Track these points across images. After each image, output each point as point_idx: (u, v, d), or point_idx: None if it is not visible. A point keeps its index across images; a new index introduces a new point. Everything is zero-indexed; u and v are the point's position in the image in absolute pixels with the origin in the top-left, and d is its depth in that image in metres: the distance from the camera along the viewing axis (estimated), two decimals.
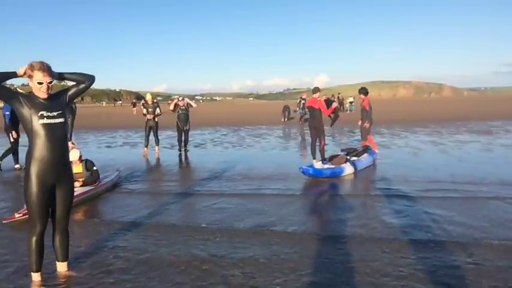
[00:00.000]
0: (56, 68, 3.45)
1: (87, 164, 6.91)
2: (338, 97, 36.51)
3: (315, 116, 9.30)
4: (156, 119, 11.97)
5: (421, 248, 4.24)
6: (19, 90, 3.61)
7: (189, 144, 12.75)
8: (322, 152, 9.23)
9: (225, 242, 4.58)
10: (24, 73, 3.30)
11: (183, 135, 12.25)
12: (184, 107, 12.19)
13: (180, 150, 12.20)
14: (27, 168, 3.32)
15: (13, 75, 3.31)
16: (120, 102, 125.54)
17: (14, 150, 9.85)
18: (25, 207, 5.24)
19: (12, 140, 9.72)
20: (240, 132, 19.68)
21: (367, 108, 10.34)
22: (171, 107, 12.38)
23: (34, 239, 3.38)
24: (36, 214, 3.33)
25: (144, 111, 12.07)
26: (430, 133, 16.61)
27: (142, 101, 12.87)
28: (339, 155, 9.03)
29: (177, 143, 12.53)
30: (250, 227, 5.11)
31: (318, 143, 9.31)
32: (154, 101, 12.47)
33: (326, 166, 8.26)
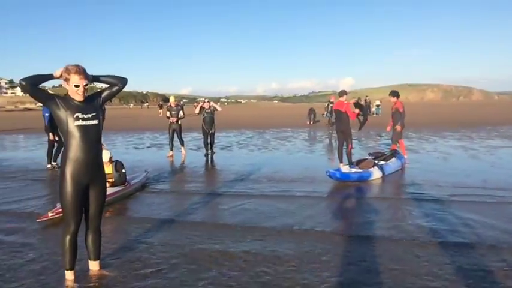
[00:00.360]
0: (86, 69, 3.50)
1: (117, 165, 7.04)
2: (365, 100, 36.08)
3: (341, 119, 9.23)
4: (179, 122, 12.11)
5: (454, 251, 4.19)
6: (49, 91, 3.69)
7: (215, 146, 12.80)
8: (349, 155, 9.14)
9: (255, 240, 4.65)
10: (61, 75, 3.38)
11: (208, 138, 12.26)
12: (209, 110, 12.21)
13: (207, 153, 12.18)
14: (62, 169, 3.40)
15: (50, 77, 3.37)
16: (147, 104, 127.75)
17: (58, 149, 10.12)
18: (58, 206, 5.42)
19: (51, 139, 10.02)
20: (265, 135, 19.68)
21: (401, 110, 10.13)
22: (197, 109, 12.48)
23: (68, 238, 3.45)
24: (70, 213, 3.41)
25: (168, 114, 12.21)
26: (460, 138, 16.21)
27: (168, 104, 13.04)
28: (366, 159, 8.92)
29: (203, 146, 12.61)
30: (279, 227, 5.17)
31: (345, 147, 9.24)
32: (179, 104, 12.55)
33: (353, 170, 8.16)
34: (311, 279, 3.59)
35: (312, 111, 28.09)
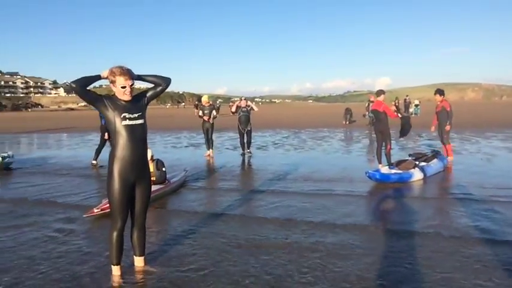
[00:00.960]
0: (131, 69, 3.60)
1: (158, 163, 7.19)
2: (405, 100, 35.32)
3: (380, 119, 9.07)
4: (211, 121, 12.00)
5: (501, 249, 4.14)
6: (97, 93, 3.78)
7: (252, 146, 12.69)
8: (388, 156, 8.96)
9: (296, 233, 4.85)
10: (107, 76, 3.48)
11: (245, 137, 12.15)
12: (245, 109, 12.06)
13: (243, 153, 12.12)
14: (110, 167, 3.49)
15: (97, 78, 3.47)
16: (183, 104, 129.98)
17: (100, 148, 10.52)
18: (103, 202, 5.61)
19: (105, 138, 10.38)
20: (300, 134, 19.58)
21: (449, 109, 9.86)
22: (233, 108, 12.34)
23: (115, 233, 3.55)
24: (118, 210, 3.51)
25: (200, 113, 12.15)
26: (505, 138, 15.55)
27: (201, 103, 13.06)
28: (406, 160, 8.70)
29: (239, 145, 12.58)
30: (319, 221, 5.33)
31: (383, 147, 9.07)
32: (210, 103, 12.46)
33: (393, 171, 7.99)
34: (354, 271, 3.68)
35: (348, 111, 27.73)
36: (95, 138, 20.15)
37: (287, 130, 22.51)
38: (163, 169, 7.23)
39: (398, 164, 8.39)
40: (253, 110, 12.39)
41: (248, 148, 12.24)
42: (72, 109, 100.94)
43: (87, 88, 3.45)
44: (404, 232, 4.79)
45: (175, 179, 7.72)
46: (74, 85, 3.33)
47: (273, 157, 11.86)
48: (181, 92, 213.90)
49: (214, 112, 12.08)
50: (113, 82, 3.45)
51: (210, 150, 12.19)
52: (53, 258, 4.18)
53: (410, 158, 8.92)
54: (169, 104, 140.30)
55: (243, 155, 12.08)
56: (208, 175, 9.21)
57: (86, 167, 10.55)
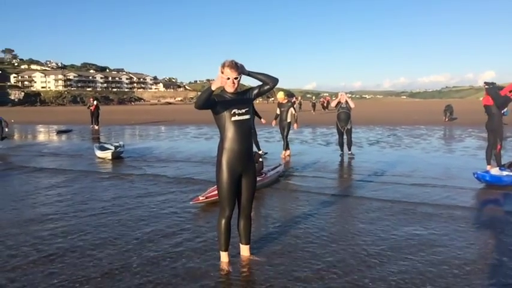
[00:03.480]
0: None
1: (255, 156, 7.38)
2: None
3: (491, 115, 8.34)
4: (288, 119, 11.11)
5: None
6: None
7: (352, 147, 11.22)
8: (497, 156, 8.25)
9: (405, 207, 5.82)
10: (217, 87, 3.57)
11: (344, 136, 10.95)
12: (345, 105, 10.80)
13: (343, 154, 10.94)
14: (219, 158, 3.68)
15: (210, 91, 3.49)
16: (272, 99, 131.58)
17: None
18: (208, 190, 5.91)
19: None
20: (396, 131, 18.78)
21: None
22: (334, 103, 11.13)
23: (223, 221, 3.74)
24: (226, 199, 3.68)
25: (278, 111, 11.29)
26: None
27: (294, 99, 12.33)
28: None
29: (335, 143, 12.19)
30: (424, 201, 6.14)
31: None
32: (288, 99, 11.53)
33: (505, 173, 7.34)
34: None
35: (448, 107, 26.04)
36: (193, 131, 21.25)
37: (381, 127, 21.74)
38: (260, 160, 7.47)
39: (511, 165, 7.69)
40: (350, 106, 10.91)
41: (349, 149, 10.90)
42: (170, 103, 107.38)
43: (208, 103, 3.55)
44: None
45: (271, 172, 7.87)
46: (197, 108, 3.56)
47: (368, 154, 11.49)
48: None
49: (292, 110, 11.20)
50: (222, 73, 3.62)
51: (284, 152, 11.21)
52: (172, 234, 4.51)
53: None
54: (260, 99, 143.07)
55: (342, 155, 10.92)
56: (303, 169, 9.17)
57: (189, 156, 11.31)
